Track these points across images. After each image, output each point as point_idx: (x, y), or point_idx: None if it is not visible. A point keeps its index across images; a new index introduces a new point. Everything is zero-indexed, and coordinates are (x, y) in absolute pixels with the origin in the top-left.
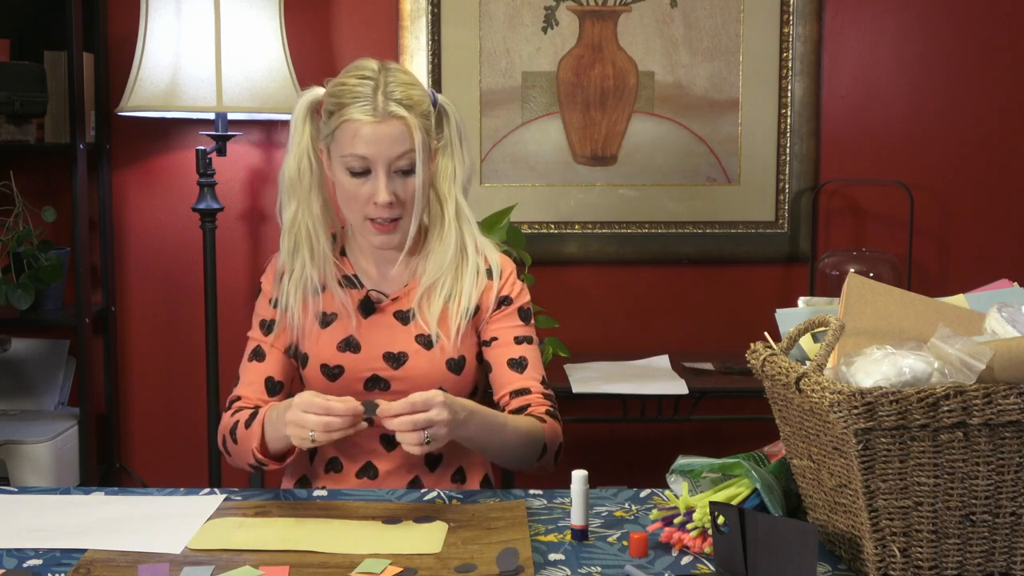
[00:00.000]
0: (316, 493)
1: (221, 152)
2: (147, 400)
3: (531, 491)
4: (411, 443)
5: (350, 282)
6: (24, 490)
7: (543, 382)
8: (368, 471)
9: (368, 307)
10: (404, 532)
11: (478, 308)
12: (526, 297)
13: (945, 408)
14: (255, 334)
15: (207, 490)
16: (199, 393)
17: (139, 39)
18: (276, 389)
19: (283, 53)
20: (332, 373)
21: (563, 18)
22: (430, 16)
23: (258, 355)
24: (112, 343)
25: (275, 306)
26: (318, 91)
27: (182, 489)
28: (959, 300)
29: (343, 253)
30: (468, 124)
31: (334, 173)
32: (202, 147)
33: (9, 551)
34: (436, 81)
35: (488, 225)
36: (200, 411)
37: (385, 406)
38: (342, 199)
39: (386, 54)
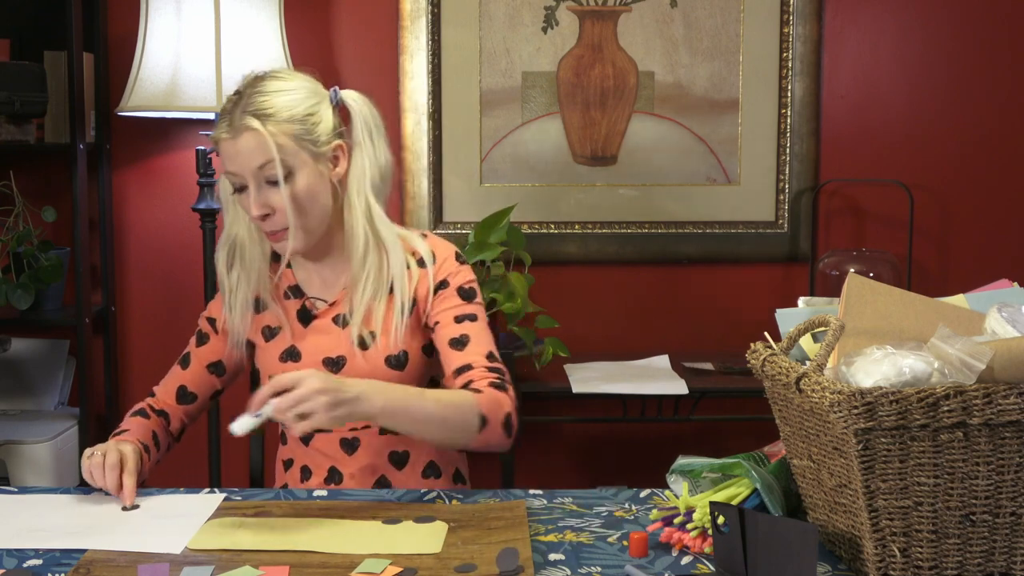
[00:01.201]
0: (316, 493)
1: None
2: None
3: (531, 491)
4: (289, 423)
5: (296, 292)
6: (24, 490)
7: (489, 356)
8: (334, 477)
9: (306, 316)
10: (404, 532)
11: (415, 300)
12: (468, 276)
13: (945, 408)
14: (191, 341)
15: (207, 490)
16: None
17: (139, 39)
18: (187, 399)
19: (283, 53)
20: None
21: (563, 18)
22: (430, 16)
23: (184, 361)
24: (112, 343)
25: (212, 324)
26: None
27: (182, 489)
28: (959, 300)
29: (289, 265)
30: (468, 124)
31: None
32: (202, 147)
33: (9, 551)
34: (436, 81)
35: (488, 225)
36: None
37: (259, 398)
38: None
39: (386, 54)
